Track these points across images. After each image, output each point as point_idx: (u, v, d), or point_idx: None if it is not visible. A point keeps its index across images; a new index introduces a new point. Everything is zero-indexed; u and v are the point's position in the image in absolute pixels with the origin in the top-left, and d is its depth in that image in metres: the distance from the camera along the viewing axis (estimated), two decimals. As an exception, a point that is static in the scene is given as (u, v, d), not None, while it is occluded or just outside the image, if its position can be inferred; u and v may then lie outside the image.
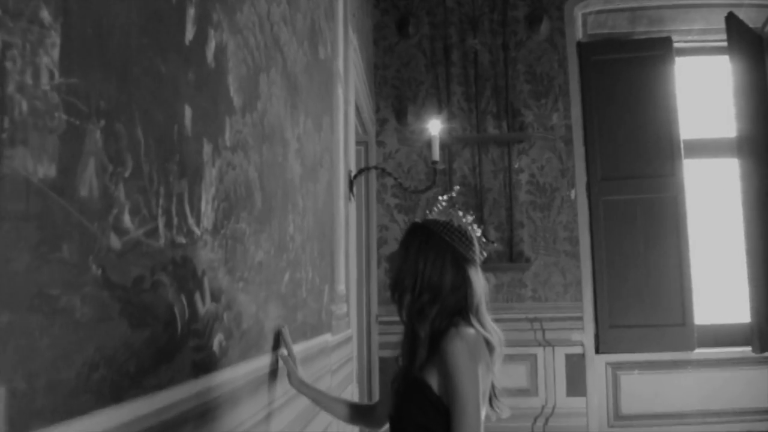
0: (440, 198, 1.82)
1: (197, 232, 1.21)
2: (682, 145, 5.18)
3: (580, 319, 5.10)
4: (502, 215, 5.28)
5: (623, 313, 4.99)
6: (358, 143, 5.26)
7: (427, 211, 1.84)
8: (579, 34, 5.46)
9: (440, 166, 5.24)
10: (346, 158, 3.59)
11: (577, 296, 5.13)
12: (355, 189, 3.92)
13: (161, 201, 1.04)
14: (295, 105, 2.13)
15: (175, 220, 1.10)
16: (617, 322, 4.99)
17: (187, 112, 1.17)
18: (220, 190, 1.34)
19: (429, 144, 4.38)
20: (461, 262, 1.64)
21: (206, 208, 1.26)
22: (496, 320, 5.15)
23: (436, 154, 3.60)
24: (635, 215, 5.11)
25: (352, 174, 3.75)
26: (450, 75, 5.45)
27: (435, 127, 3.64)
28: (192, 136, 1.19)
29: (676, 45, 5.35)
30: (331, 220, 2.94)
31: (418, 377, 1.55)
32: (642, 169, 5.16)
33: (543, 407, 5.10)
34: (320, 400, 1.88)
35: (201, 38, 1.25)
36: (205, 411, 1.23)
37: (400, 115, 5.52)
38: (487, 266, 5.12)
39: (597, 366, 5.03)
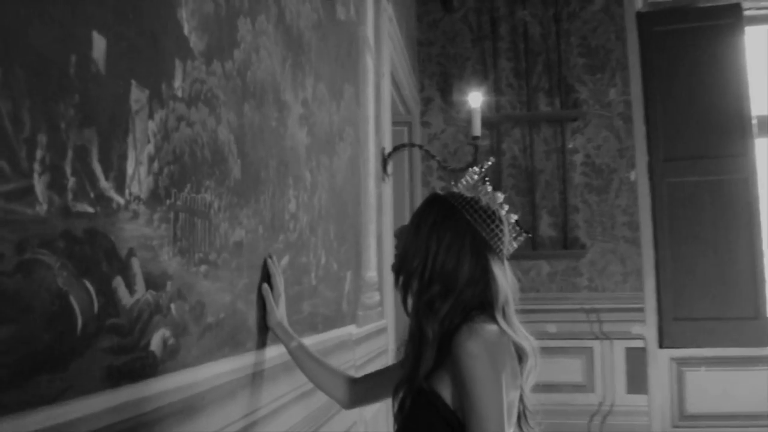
0: (471, 170, 1.51)
1: (118, 199, 0.93)
2: (753, 123, 4.70)
3: (641, 310, 4.69)
4: (555, 199, 4.91)
5: (689, 304, 4.56)
6: (400, 123, 4.97)
7: (453, 182, 1.53)
8: (638, 4, 5.01)
9: (482, 143, 4.90)
10: (378, 135, 3.30)
11: (637, 286, 4.72)
12: (390, 169, 3.63)
13: (40, 153, 0.77)
14: (299, 64, 1.85)
15: (72, 182, 0.83)
16: (682, 314, 4.56)
17: (98, 41, 0.89)
18: (164, 149, 1.07)
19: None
20: (483, 251, 1.32)
21: (137, 170, 0.98)
22: (550, 311, 4.75)
23: (477, 129, 3.27)
24: (702, 199, 4.66)
25: (386, 152, 3.45)
26: (498, 50, 5.09)
27: (476, 99, 3.31)
28: (107, 74, 0.91)
29: (746, 13, 4.85)
30: (355, 199, 2.65)
31: (425, 387, 1.25)
32: (709, 149, 4.70)
33: (600, 404, 4.72)
34: (304, 361, 1.54)
35: (129, -47, 0.98)
36: (133, 427, 0.96)
37: (446, 93, 5.20)
38: (540, 253, 4.81)
39: (660, 361, 4.62)
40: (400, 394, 1.31)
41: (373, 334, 2.97)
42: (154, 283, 1.02)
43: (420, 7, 5.26)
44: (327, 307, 2.14)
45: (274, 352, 1.58)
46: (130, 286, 0.96)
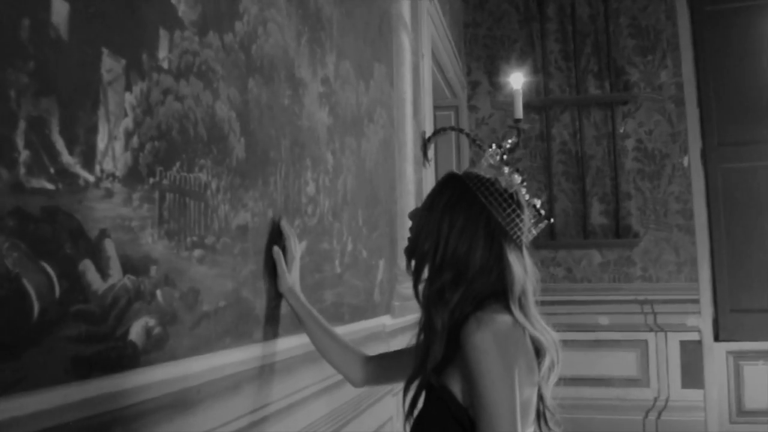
0: (490, 149, 1.40)
1: (86, 176, 0.86)
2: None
3: (697, 302, 4.47)
4: (606, 185, 4.71)
5: (746, 295, 4.32)
6: (446, 107, 4.86)
7: (474, 160, 1.40)
8: (690, -18, 4.75)
9: (531, 127, 4.73)
10: (417, 118, 3.19)
11: (692, 276, 4.50)
12: (432, 153, 3.52)
13: (-20, 122, 0.70)
14: (317, 40, 1.76)
15: (24, 155, 0.76)
16: (739, 305, 4.33)
17: (59, 5, 0.82)
18: (146, 124, 0.99)
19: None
20: (498, 236, 1.22)
21: (110, 145, 0.91)
22: (602, 302, 4.53)
23: (519, 111, 3.13)
24: (758, 185, 4.41)
25: (426, 136, 3.34)
26: (545, 31, 4.90)
27: (517, 80, 3.17)
28: (72, 41, 0.84)
29: (805, -11, 4.55)
30: (389, 185, 2.56)
31: (434, 383, 1.15)
32: (765, 133, 4.43)
33: (656, 399, 4.52)
34: (315, 332, 1.44)
35: None
36: (110, 422, 0.89)
37: (493, 76, 5.05)
38: (591, 242, 4.62)
39: (716, 355, 4.39)
40: (411, 392, 1.21)
41: (410, 326, 2.87)
42: (133, 267, 0.95)
43: (465, -12, 5.11)
44: (355, 296, 2.05)
45: (290, 342, 1.50)
46: (103, 270, 0.89)
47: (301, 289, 1.46)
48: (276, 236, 1.44)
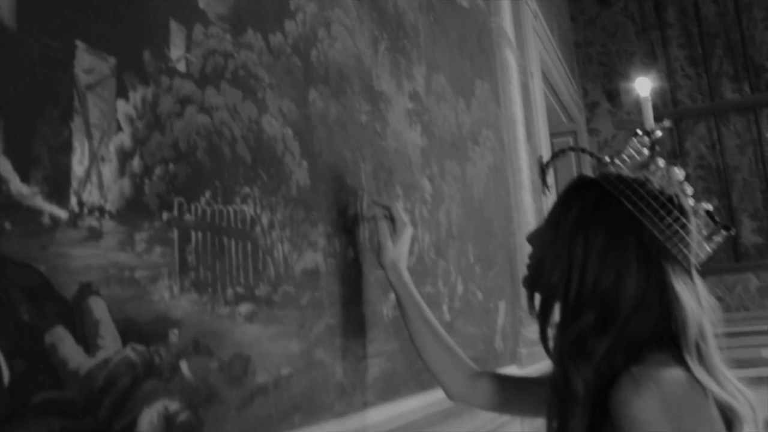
0: (634, 139, 1.08)
1: (54, 211, 0.62)
2: None
3: None
4: (757, 199, 4.13)
5: None
6: (564, 133, 4.49)
7: (607, 158, 1.09)
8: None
9: (658, 134, 4.24)
10: (531, 141, 2.86)
11: None
12: (552, 180, 3.16)
13: None
14: (401, 49, 1.50)
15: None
16: None
17: (-3, -23, 0.59)
18: (153, 142, 0.75)
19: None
20: (657, 257, 0.86)
21: (94, 168, 0.67)
22: (763, 333, 3.86)
23: (650, 121, 2.73)
24: None
25: (544, 161, 2.99)
26: (667, 38, 4.45)
27: (644, 86, 2.78)
28: (22, 29, 0.61)
29: None
30: (504, 215, 2.24)
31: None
32: None
33: None
34: (414, 324, 1.14)
35: None
36: None
37: (612, 95, 4.64)
38: (745, 265, 4.05)
39: None
40: None
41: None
42: (140, 333, 0.70)
43: (573, 5, 4.76)
44: (472, 347, 1.73)
45: (385, 412, 1.20)
46: (88, 341, 0.63)
47: (406, 267, 1.18)
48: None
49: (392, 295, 1.24)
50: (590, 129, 4.68)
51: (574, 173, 4.29)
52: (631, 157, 1.00)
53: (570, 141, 4.62)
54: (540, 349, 0.98)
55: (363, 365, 1.15)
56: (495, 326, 1.96)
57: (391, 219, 1.17)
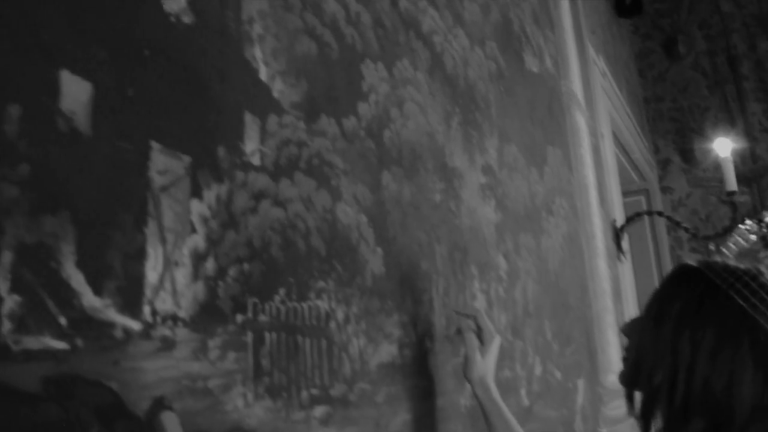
0: (742, 226, 1.00)
1: (127, 323, 0.59)
2: None
3: None
4: None
5: None
6: (635, 192, 4.36)
7: (711, 246, 1.00)
8: None
9: (740, 198, 4.06)
10: (604, 205, 2.77)
11: None
12: (627, 245, 3.04)
13: None
14: (472, 122, 1.47)
15: (12, 303, 0.50)
16: None
17: (75, 85, 0.58)
18: (227, 241, 0.72)
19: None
20: None
21: (168, 275, 0.64)
22: None
23: (732, 183, 2.60)
24: None
25: (618, 225, 2.89)
26: (743, 92, 4.32)
27: (724, 147, 2.66)
28: (97, 134, 0.59)
29: None
30: (580, 286, 2.14)
31: None
32: None
33: None
34: None
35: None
36: None
37: (686, 152, 4.50)
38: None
39: None
40: None
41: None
42: (212, 448, 0.65)
43: (641, 60, 4.69)
44: (551, 431, 1.63)
45: None
46: (157, 463, 0.60)
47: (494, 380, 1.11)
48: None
49: (468, 385, 1.18)
50: (663, 187, 4.54)
51: (648, 236, 4.15)
52: (737, 244, 0.92)
53: (642, 200, 4.47)
54: (620, 428, 0.90)
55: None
56: (574, 407, 1.85)
57: (478, 328, 1.11)
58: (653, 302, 0.91)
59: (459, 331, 1.12)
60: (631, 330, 0.95)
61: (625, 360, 0.95)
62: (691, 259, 0.94)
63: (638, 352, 0.90)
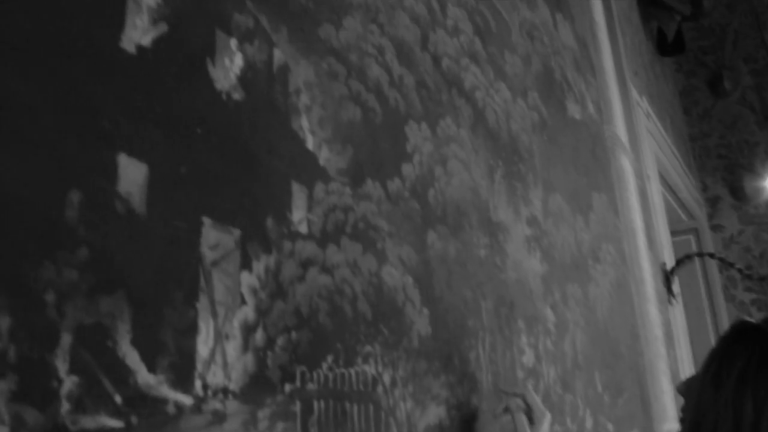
0: None
1: (179, 399, 0.60)
2: None
3: None
4: None
5: None
6: (683, 232, 4.27)
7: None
8: None
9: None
10: (653, 249, 2.72)
11: None
12: (678, 288, 2.98)
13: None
14: (516, 175, 1.47)
15: (70, 383, 0.52)
16: None
17: (131, 168, 0.61)
18: (276, 311, 0.73)
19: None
20: None
21: (221, 348, 0.65)
22: None
23: (785, 225, 2.53)
24: None
25: (668, 268, 2.83)
26: (793, 126, 4.23)
27: (775, 187, 2.60)
28: (152, 214, 0.61)
29: None
30: (630, 334, 2.10)
31: None
32: None
33: None
34: None
35: (205, 47, 0.71)
36: None
37: (736, 189, 4.41)
38: None
39: None
40: None
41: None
42: None
43: (685, 98, 4.63)
44: (605, 485, 1.59)
45: None
46: None
47: None
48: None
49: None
50: (713, 225, 4.45)
51: (699, 276, 4.05)
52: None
53: (691, 239, 4.38)
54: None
55: None
56: (629, 459, 1.80)
57: (527, 406, 1.09)
58: (711, 361, 0.89)
59: (507, 410, 1.09)
60: (688, 389, 0.93)
61: (682, 421, 0.93)
62: (750, 317, 0.91)
63: (697, 412, 0.88)
